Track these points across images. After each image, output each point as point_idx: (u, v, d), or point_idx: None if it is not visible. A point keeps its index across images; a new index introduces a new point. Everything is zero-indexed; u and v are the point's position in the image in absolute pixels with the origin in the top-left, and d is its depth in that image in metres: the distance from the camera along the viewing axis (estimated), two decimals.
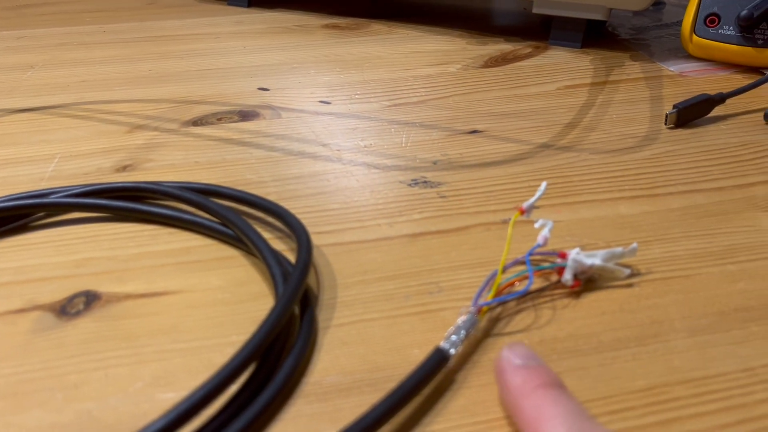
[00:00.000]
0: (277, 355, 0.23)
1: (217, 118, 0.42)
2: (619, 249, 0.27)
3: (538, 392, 0.20)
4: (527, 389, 0.20)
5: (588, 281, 0.27)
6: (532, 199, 0.28)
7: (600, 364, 0.23)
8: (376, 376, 0.23)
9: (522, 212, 0.28)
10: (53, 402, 0.22)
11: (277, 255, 0.27)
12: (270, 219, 0.31)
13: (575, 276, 0.27)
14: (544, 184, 0.28)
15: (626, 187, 0.34)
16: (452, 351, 0.23)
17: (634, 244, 0.27)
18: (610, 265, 0.27)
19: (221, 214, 0.29)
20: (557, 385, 0.21)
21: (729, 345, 0.24)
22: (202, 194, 0.31)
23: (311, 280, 0.28)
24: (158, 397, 0.22)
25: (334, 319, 0.26)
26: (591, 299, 0.26)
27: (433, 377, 0.22)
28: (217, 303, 0.27)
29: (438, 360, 0.22)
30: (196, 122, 0.42)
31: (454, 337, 0.23)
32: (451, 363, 0.23)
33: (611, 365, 0.23)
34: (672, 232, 0.30)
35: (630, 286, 0.27)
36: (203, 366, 0.24)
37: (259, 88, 0.46)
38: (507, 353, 0.22)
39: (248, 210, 0.32)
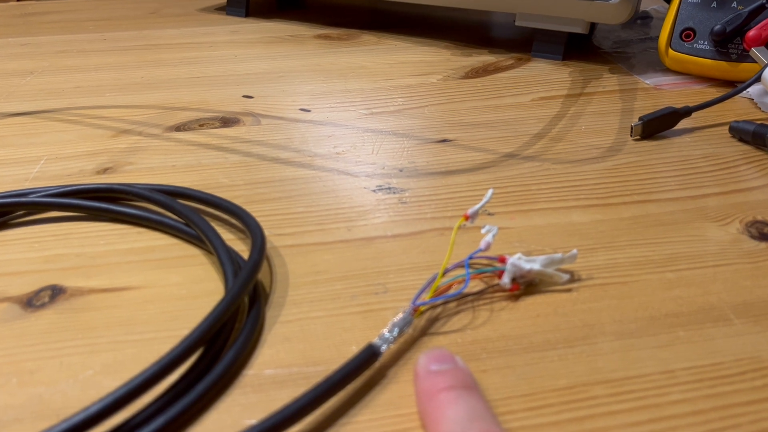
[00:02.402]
0: (220, 348, 0.25)
1: (200, 124, 0.44)
2: (559, 255, 0.28)
3: (442, 395, 0.21)
4: (433, 393, 0.21)
5: (528, 285, 0.28)
6: (477, 206, 0.29)
7: (526, 364, 0.25)
8: (312, 370, 0.24)
9: (467, 218, 0.29)
10: (8, 386, 0.24)
11: (231, 253, 0.29)
12: (234, 220, 0.33)
13: (514, 280, 0.28)
14: (489, 192, 0.30)
15: (582, 197, 0.35)
16: (383, 347, 0.24)
17: (574, 251, 0.28)
18: (550, 270, 0.28)
19: (185, 215, 0.31)
20: (463, 386, 0.22)
21: (653, 348, 0.25)
22: (171, 196, 0.33)
23: (264, 278, 0.29)
24: (105, 385, 0.24)
25: (281, 316, 0.27)
26: (528, 302, 0.27)
27: (362, 372, 0.23)
28: (173, 298, 0.28)
29: (368, 356, 0.24)
30: (179, 128, 0.43)
31: (387, 335, 0.25)
32: (384, 359, 0.25)
33: (537, 365, 0.24)
34: (618, 241, 0.31)
35: (569, 290, 0.28)
36: (152, 357, 0.25)
37: (244, 96, 0.48)
38: (422, 359, 0.23)
39: (214, 212, 0.34)
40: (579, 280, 0.29)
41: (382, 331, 0.25)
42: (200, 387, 0.23)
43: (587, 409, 0.23)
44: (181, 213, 0.31)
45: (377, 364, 0.24)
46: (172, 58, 0.56)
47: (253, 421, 0.22)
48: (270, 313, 0.27)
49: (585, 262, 0.30)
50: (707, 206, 0.34)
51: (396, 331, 0.25)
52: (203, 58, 0.57)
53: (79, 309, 0.27)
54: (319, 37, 0.62)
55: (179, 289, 0.29)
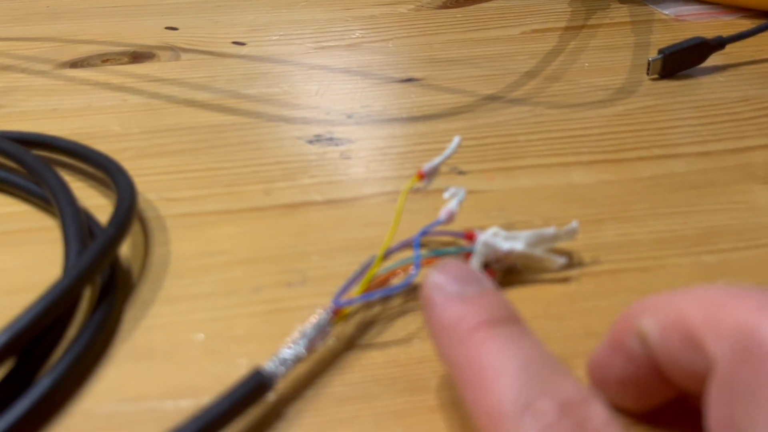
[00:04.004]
0: (33, 370, 0.16)
1: (103, 60, 0.35)
2: (551, 229, 0.20)
3: (479, 335, 0.14)
4: (463, 331, 0.14)
5: (507, 273, 0.20)
6: (436, 160, 0.21)
7: None
8: (171, 407, 0.16)
9: (421, 177, 0.20)
10: None
11: (82, 223, 0.20)
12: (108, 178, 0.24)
13: (487, 265, 0.19)
14: (456, 140, 0.21)
15: (584, 150, 0.26)
16: (279, 373, 0.16)
17: (573, 223, 0.20)
18: (538, 251, 0.20)
19: (35, 170, 0.22)
20: (507, 320, 0.14)
21: None
22: (26, 145, 0.24)
23: (135, 261, 0.21)
24: None
25: (146, 318, 0.19)
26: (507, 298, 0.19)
27: (243, 411, 0.15)
28: None
29: (252, 387, 0.15)
30: (75, 64, 0.34)
31: (287, 353, 0.16)
32: (283, 388, 0.16)
33: None
34: (635, 209, 0.23)
35: (565, 280, 0.20)
36: None
37: (167, 28, 0.39)
38: (436, 277, 0.15)
39: (89, 169, 0.25)
40: (580, 264, 0.20)
41: (283, 346, 0.16)
42: None
43: None
44: (31, 168, 0.23)
45: (273, 397, 0.16)
46: None
47: None
48: (130, 314, 0.19)
49: (589, 238, 0.21)
50: (752, 163, 0.25)
51: (303, 344, 0.16)
52: None
53: None
54: None
55: (12, 277, 0.20)
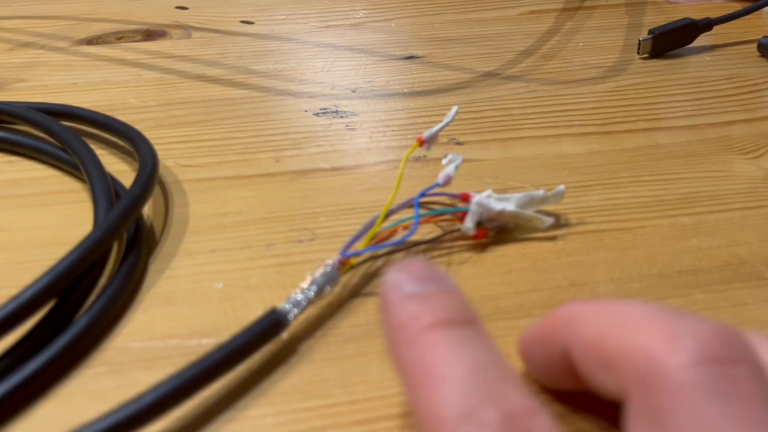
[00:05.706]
0: (71, 312, 0.18)
1: (117, 38, 0.36)
2: (541, 192, 0.21)
3: (430, 335, 0.13)
4: (414, 330, 0.13)
5: (500, 231, 0.22)
6: (435, 128, 0.22)
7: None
8: (195, 344, 0.18)
9: (421, 143, 0.22)
10: None
11: (110, 185, 0.22)
12: (130, 146, 0.26)
13: (480, 224, 0.21)
14: (453, 110, 0.23)
15: (576, 123, 0.28)
16: (293, 313, 0.18)
17: (561, 187, 0.22)
18: (528, 212, 0.21)
19: (63, 138, 0.24)
20: (462, 321, 0.14)
21: None
22: (52, 115, 0.26)
23: (157, 221, 0.22)
24: None
25: (169, 269, 0.20)
26: (498, 254, 0.21)
27: (260, 346, 0.17)
28: (32, 245, 0.21)
29: (269, 324, 0.17)
30: (91, 41, 0.36)
31: (299, 296, 0.18)
32: (296, 327, 0.18)
33: (504, 338, 0.18)
34: (620, 176, 0.25)
35: (552, 239, 0.21)
36: None
37: (177, 7, 0.40)
38: (394, 276, 0.15)
39: (108, 137, 0.27)
40: (567, 225, 0.22)
41: (295, 291, 0.18)
42: (32, 366, 0.16)
43: (572, 401, 0.16)
44: (59, 136, 0.24)
45: (285, 335, 0.18)
46: None
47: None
48: (154, 266, 0.20)
49: (576, 202, 0.23)
50: (732, 135, 0.27)
51: (314, 290, 0.18)
52: None
53: None
54: None
55: (43, 233, 0.22)
